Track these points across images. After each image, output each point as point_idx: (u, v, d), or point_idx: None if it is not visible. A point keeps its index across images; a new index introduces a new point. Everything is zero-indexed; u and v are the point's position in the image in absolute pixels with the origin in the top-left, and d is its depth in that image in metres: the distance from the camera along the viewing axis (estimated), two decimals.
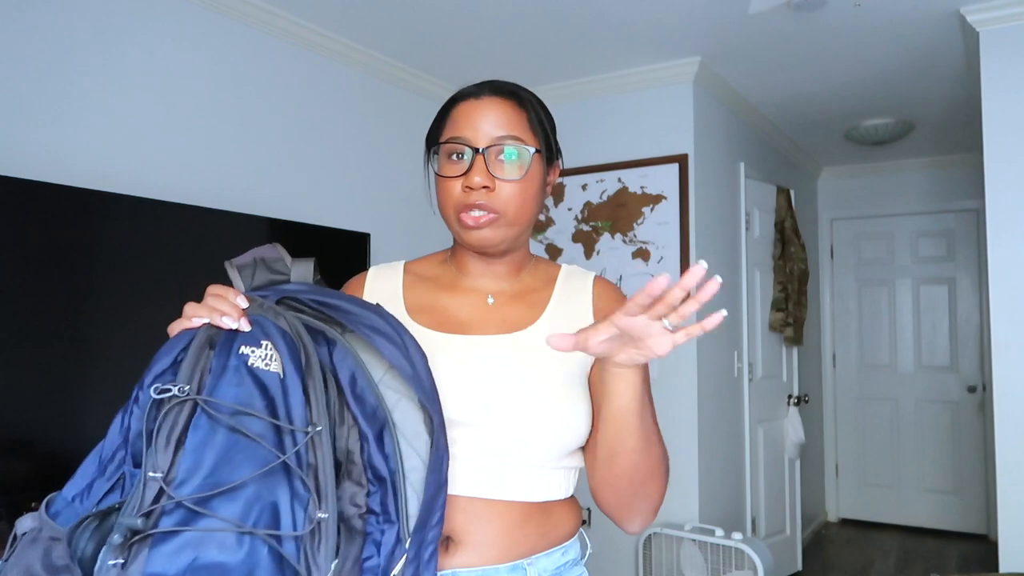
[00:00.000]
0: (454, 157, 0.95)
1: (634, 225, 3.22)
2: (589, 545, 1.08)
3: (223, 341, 0.75)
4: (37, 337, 1.74)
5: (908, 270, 4.95)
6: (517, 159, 0.94)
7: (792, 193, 4.07)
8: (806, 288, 4.12)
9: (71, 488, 0.71)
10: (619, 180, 3.26)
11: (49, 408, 1.76)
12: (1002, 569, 2.46)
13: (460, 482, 0.89)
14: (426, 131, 1.04)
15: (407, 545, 0.74)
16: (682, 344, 0.72)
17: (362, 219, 2.87)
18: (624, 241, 3.24)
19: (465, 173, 0.93)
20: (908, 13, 2.62)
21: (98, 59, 2.08)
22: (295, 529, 0.67)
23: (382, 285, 1.05)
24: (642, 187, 3.21)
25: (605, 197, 3.30)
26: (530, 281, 1.05)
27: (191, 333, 0.76)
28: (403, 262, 1.10)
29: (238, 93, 2.48)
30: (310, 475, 0.71)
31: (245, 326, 0.76)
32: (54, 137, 1.97)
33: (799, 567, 4.04)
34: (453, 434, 0.89)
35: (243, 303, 0.79)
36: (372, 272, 1.08)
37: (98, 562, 0.63)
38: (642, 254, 3.20)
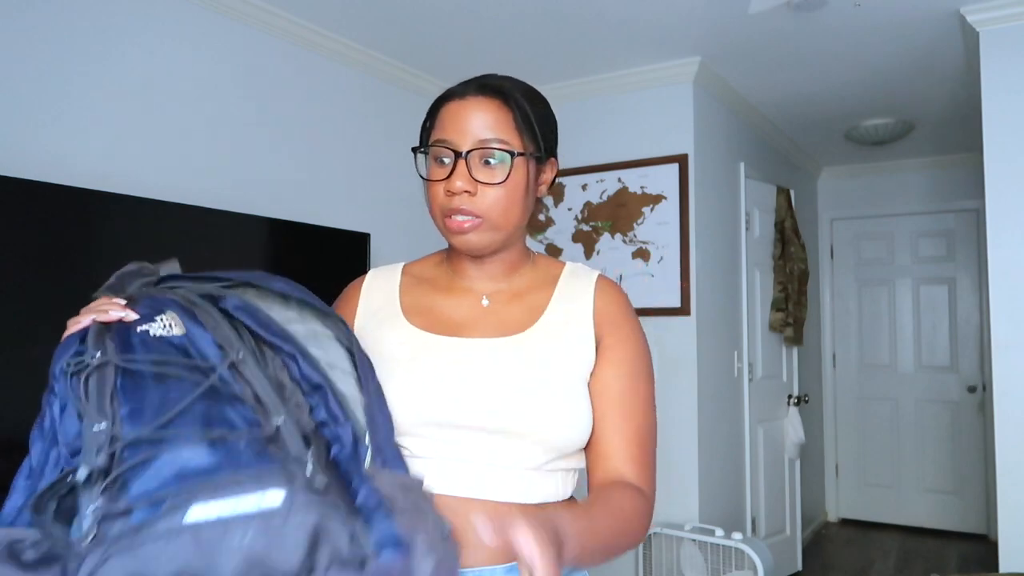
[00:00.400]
0: (440, 160, 0.94)
1: (634, 225, 3.22)
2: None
3: (119, 330, 0.76)
4: (37, 337, 1.74)
5: (908, 270, 4.95)
6: (499, 162, 0.93)
7: (792, 193, 4.07)
8: (806, 288, 4.12)
9: (9, 510, 0.68)
10: (619, 180, 3.26)
11: None
12: (1002, 569, 2.46)
13: (455, 483, 0.88)
14: (419, 139, 1.04)
15: (367, 442, 0.76)
16: None
17: (362, 219, 2.87)
18: (624, 241, 3.24)
19: (448, 177, 0.93)
20: (908, 13, 2.62)
21: (98, 59, 2.08)
22: (256, 435, 0.67)
23: (379, 287, 1.04)
24: (642, 187, 3.21)
25: (605, 197, 3.30)
26: (528, 281, 1.03)
27: (82, 331, 0.77)
28: (402, 264, 1.09)
29: (238, 93, 2.47)
30: (248, 397, 0.71)
31: (131, 315, 0.77)
32: (54, 137, 1.97)
33: (799, 567, 4.04)
34: (448, 436, 0.89)
35: (121, 301, 0.81)
36: (370, 275, 1.08)
37: (79, 514, 0.61)
38: (642, 254, 3.20)
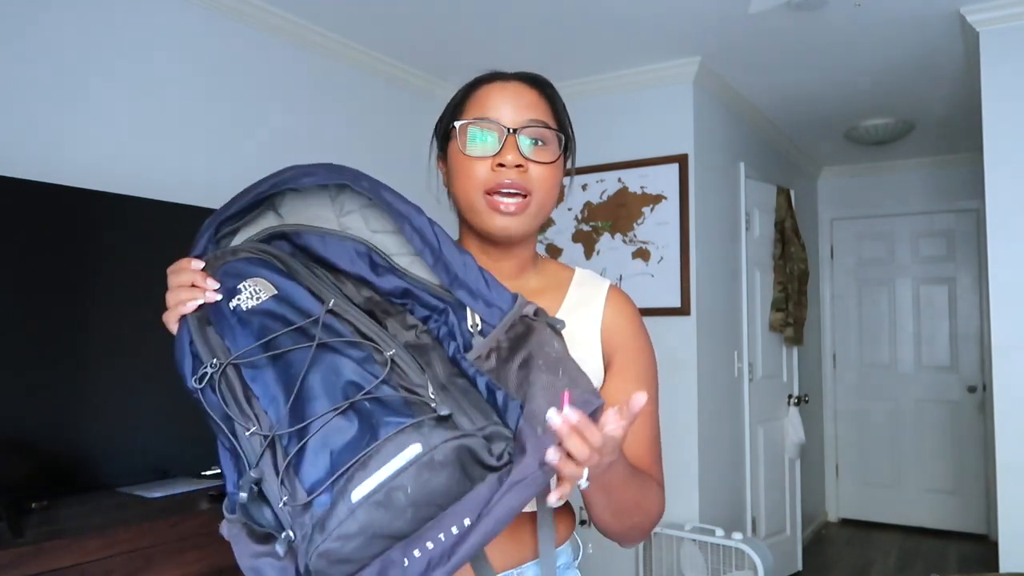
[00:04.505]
0: (482, 138, 0.91)
1: (634, 225, 3.22)
2: (582, 547, 1.08)
3: (212, 310, 0.78)
4: (37, 337, 1.74)
5: (908, 270, 4.95)
6: (549, 143, 0.93)
7: (792, 193, 4.07)
8: (806, 288, 4.13)
9: (229, 486, 0.75)
10: (619, 180, 3.26)
11: (49, 408, 1.76)
12: (1002, 569, 2.46)
13: None
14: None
15: (459, 298, 0.78)
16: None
17: None
18: (624, 241, 3.24)
19: (498, 152, 0.90)
20: (908, 13, 2.62)
21: (97, 59, 2.08)
22: (378, 378, 0.71)
23: None
24: (642, 187, 3.21)
25: (605, 197, 3.30)
26: (536, 283, 1.01)
27: (184, 323, 0.79)
28: None
29: (238, 93, 2.47)
30: (355, 335, 0.74)
31: (211, 296, 0.78)
32: (54, 137, 1.97)
33: (799, 567, 4.04)
34: None
35: (199, 265, 0.81)
36: None
37: (272, 506, 0.69)
38: (642, 254, 3.20)
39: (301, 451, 0.68)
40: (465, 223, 0.98)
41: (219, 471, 0.78)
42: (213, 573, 1.64)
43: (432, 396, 0.70)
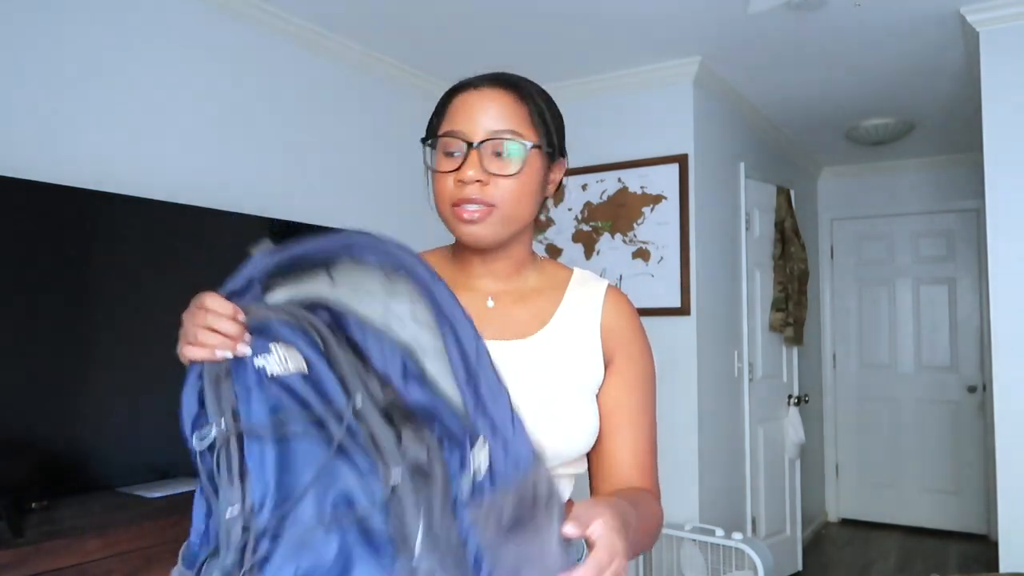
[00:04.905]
0: (450, 152, 0.92)
1: (634, 225, 3.22)
2: (584, 548, 1.08)
3: (235, 364, 0.73)
4: (37, 337, 1.74)
5: (908, 270, 4.95)
6: (513, 154, 0.91)
7: (792, 193, 4.07)
8: (806, 288, 4.13)
9: (193, 535, 0.72)
10: (619, 180, 3.26)
11: (49, 408, 1.76)
12: (1002, 569, 2.46)
13: None
14: (426, 131, 1.02)
15: (477, 429, 0.71)
16: None
17: (362, 219, 2.87)
18: (624, 241, 3.24)
19: (459, 168, 0.91)
20: (908, 13, 2.62)
21: (97, 59, 2.08)
22: (374, 501, 0.67)
23: None
24: (642, 187, 3.21)
25: (605, 197, 3.30)
26: (534, 283, 1.01)
27: (200, 366, 0.74)
28: None
29: (238, 93, 2.48)
30: (368, 443, 0.69)
31: (245, 350, 0.73)
32: (54, 137, 1.97)
33: (799, 567, 4.04)
34: None
35: (241, 317, 0.75)
36: None
37: None
38: (642, 254, 3.20)
39: (270, 555, 0.65)
40: None
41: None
42: None
43: (419, 544, 0.66)
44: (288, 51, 2.65)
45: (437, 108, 0.97)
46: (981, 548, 4.43)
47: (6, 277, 1.68)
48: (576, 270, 1.05)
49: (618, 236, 3.26)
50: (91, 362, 1.84)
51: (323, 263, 0.78)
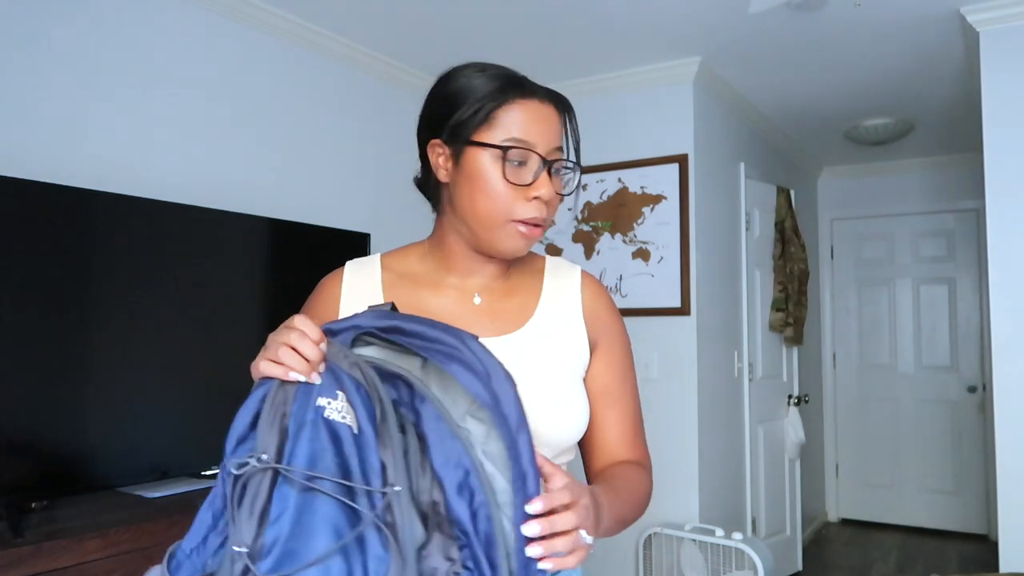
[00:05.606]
0: (516, 161, 0.89)
1: (634, 225, 3.22)
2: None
3: (301, 389, 0.72)
4: (37, 337, 1.74)
5: (908, 270, 4.96)
6: (567, 175, 0.95)
7: (792, 193, 4.07)
8: (806, 288, 4.12)
9: (189, 541, 0.71)
10: (619, 180, 3.26)
11: (49, 408, 1.76)
12: (1002, 569, 2.46)
13: None
14: (461, 122, 0.94)
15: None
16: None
17: (362, 219, 2.87)
18: (624, 241, 3.24)
19: (531, 183, 0.89)
20: (908, 13, 2.62)
21: (98, 59, 2.08)
22: None
23: (360, 283, 1.00)
24: (642, 187, 3.21)
25: (605, 197, 3.30)
26: (517, 277, 1.02)
27: (267, 383, 0.74)
28: (379, 256, 1.03)
29: (238, 93, 2.48)
30: (390, 535, 0.66)
31: (316, 379, 0.72)
32: (54, 137, 1.97)
33: (799, 567, 4.04)
34: None
35: (324, 348, 0.75)
36: (349, 268, 1.02)
37: None
38: (642, 254, 3.20)
39: None
40: (464, 224, 0.94)
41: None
42: None
43: None
44: (288, 51, 2.65)
45: (482, 103, 0.91)
46: (981, 548, 4.43)
47: (6, 277, 1.68)
48: (547, 258, 1.07)
49: (618, 236, 3.26)
50: (91, 362, 1.84)
51: (423, 349, 0.75)
